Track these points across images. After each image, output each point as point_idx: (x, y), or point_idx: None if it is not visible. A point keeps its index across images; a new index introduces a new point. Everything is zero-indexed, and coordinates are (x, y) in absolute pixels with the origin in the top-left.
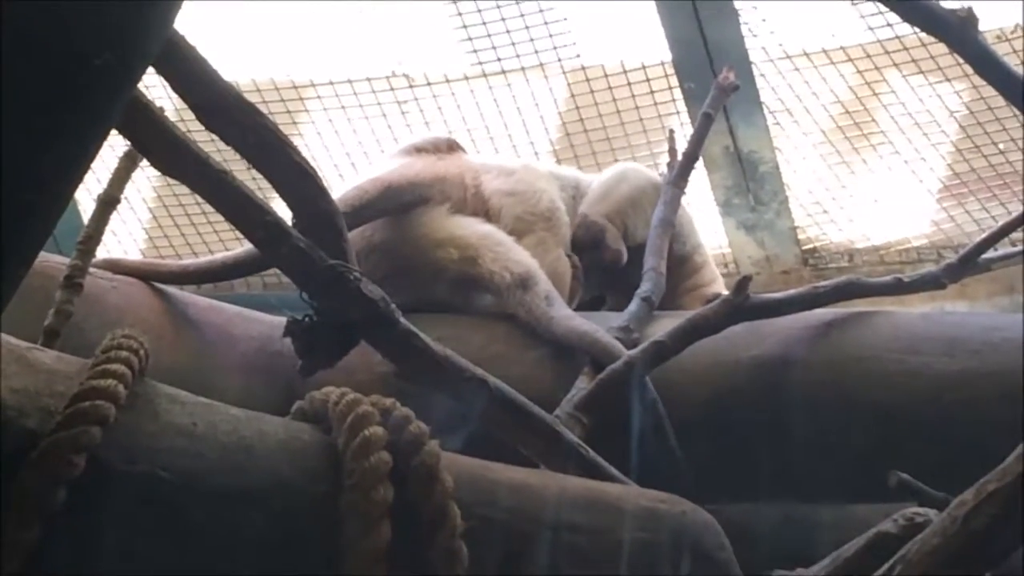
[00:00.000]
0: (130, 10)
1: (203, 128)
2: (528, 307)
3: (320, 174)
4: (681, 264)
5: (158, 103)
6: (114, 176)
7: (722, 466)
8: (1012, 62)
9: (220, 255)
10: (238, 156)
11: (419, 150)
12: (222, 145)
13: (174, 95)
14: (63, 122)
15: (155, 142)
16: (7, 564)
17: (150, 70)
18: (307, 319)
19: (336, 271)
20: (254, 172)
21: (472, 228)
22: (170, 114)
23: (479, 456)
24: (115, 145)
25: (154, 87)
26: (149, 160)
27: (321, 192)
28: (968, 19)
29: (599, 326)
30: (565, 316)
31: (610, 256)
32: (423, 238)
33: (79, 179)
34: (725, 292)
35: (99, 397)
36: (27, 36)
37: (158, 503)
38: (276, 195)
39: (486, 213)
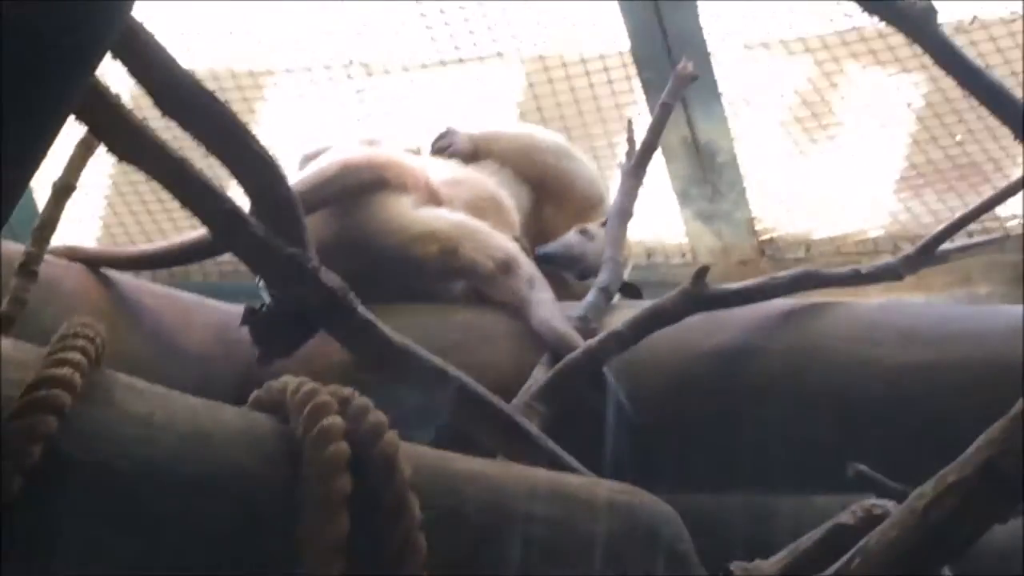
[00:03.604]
0: None
1: (160, 115)
2: (513, 291)
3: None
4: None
5: (114, 90)
6: (69, 163)
7: (681, 456)
8: (970, 54)
9: (176, 239)
10: (195, 144)
11: (370, 143)
12: (179, 132)
13: (129, 82)
14: (21, 105)
15: (113, 128)
16: None
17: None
18: (264, 308)
19: (294, 259)
20: (211, 160)
21: (446, 219)
22: (126, 101)
23: (439, 446)
24: (70, 133)
25: (110, 73)
26: (107, 146)
27: (279, 179)
28: (927, 10)
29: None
30: (541, 301)
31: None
32: (398, 233)
33: (37, 163)
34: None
35: (55, 386)
36: None
37: (115, 492)
38: (234, 182)
39: (439, 203)
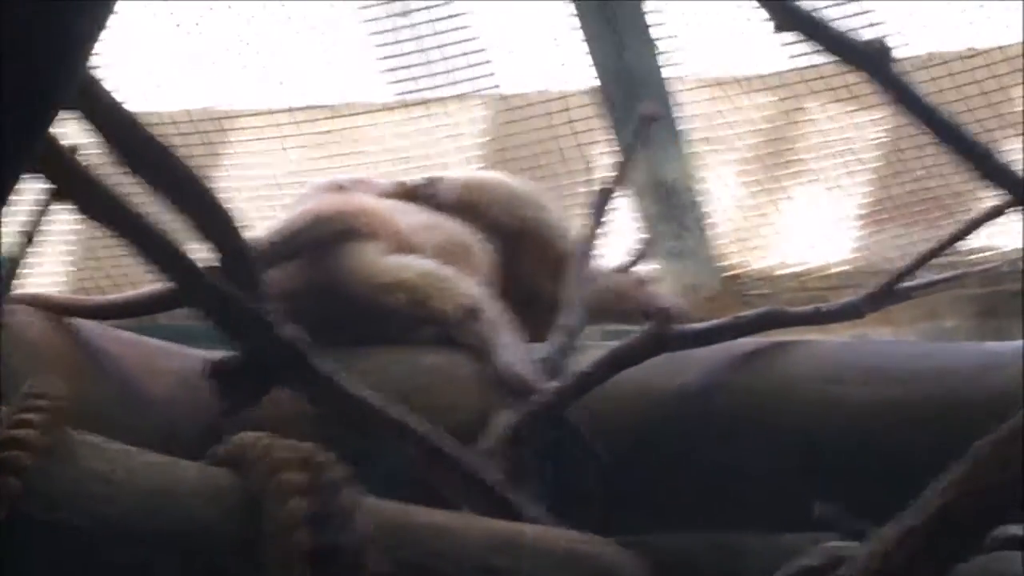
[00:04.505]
0: (49, 45)
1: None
2: (478, 335)
3: (238, 208)
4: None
5: (72, 141)
6: (33, 211)
7: (648, 495)
8: (928, 89)
9: (144, 289)
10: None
11: (340, 188)
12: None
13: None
14: None
15: (68, 183)
16: None
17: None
18: (226, 360)
19: (254, 312)
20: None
21: (415, 267)
22: (83, 154)
23: (401, 499)
24: (34, 179)
25: (67, 120)
26: (62, 201)
27: (234, 232)
28: (882, 50)
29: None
30: (505, 344)
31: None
32: (367, 282)
33: None
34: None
35: (16, 448)
36: None
37: (78, 550)
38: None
39: (410, 249)
